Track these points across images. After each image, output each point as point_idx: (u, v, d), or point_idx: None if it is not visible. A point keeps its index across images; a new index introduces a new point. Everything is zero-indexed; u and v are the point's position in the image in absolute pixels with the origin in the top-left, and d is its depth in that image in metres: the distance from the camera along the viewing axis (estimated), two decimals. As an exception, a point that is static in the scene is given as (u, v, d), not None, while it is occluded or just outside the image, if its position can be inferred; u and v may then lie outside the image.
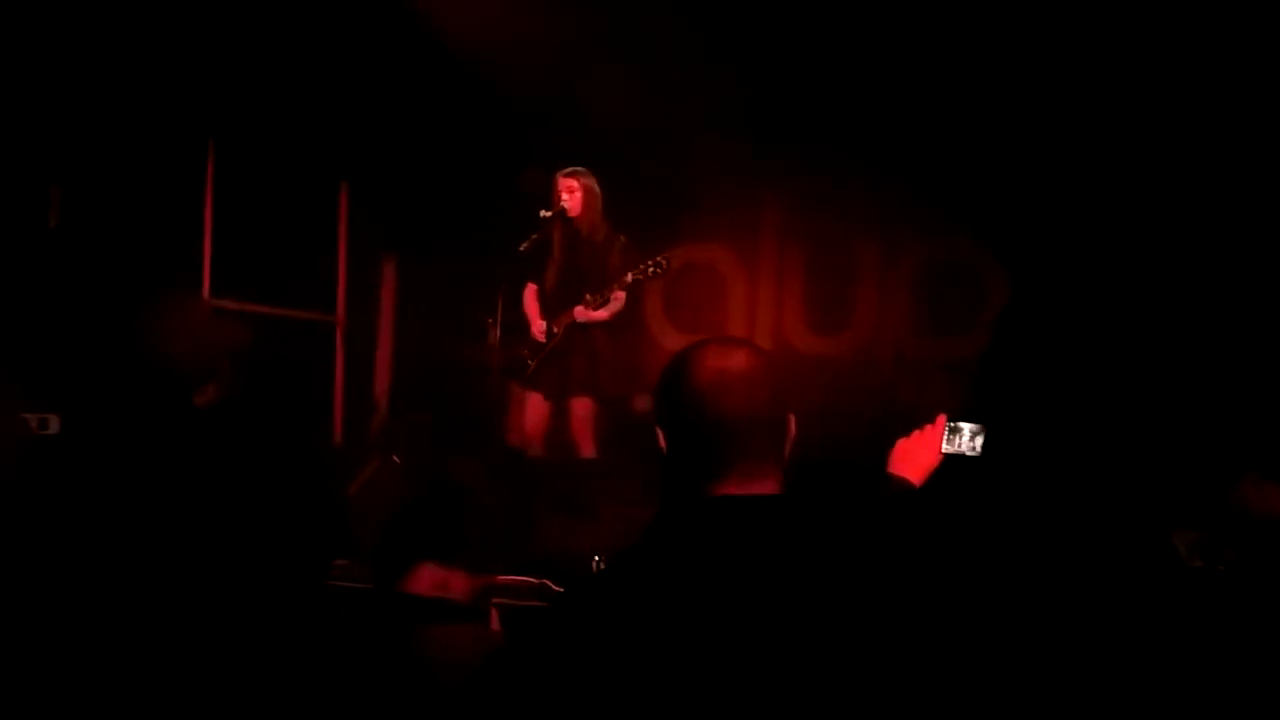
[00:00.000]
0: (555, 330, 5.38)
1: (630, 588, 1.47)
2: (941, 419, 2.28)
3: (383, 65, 6.05)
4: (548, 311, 5.44)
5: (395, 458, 5.10)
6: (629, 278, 5.23)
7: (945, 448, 2.27)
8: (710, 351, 1.59)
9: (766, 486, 1.55)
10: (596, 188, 5.38)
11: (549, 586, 3.73)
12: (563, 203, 5.31)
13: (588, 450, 5.34)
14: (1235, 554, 2.86)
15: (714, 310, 6.70)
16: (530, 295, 5.51)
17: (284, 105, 5.93)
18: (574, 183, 5.34)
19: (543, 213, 5.32)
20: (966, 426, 2.28)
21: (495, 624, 2.42)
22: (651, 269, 5.20)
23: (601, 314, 5.32)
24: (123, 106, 5.28)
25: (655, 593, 1.45)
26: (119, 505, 2.05)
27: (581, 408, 5.34)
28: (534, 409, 5.45)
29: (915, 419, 2.34)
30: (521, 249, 5.36)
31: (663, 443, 1.61)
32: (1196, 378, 5.28)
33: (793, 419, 1.61)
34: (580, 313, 5.29)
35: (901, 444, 2.28)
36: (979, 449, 2.27)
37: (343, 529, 4.09)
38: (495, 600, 2.47)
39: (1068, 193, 5.82)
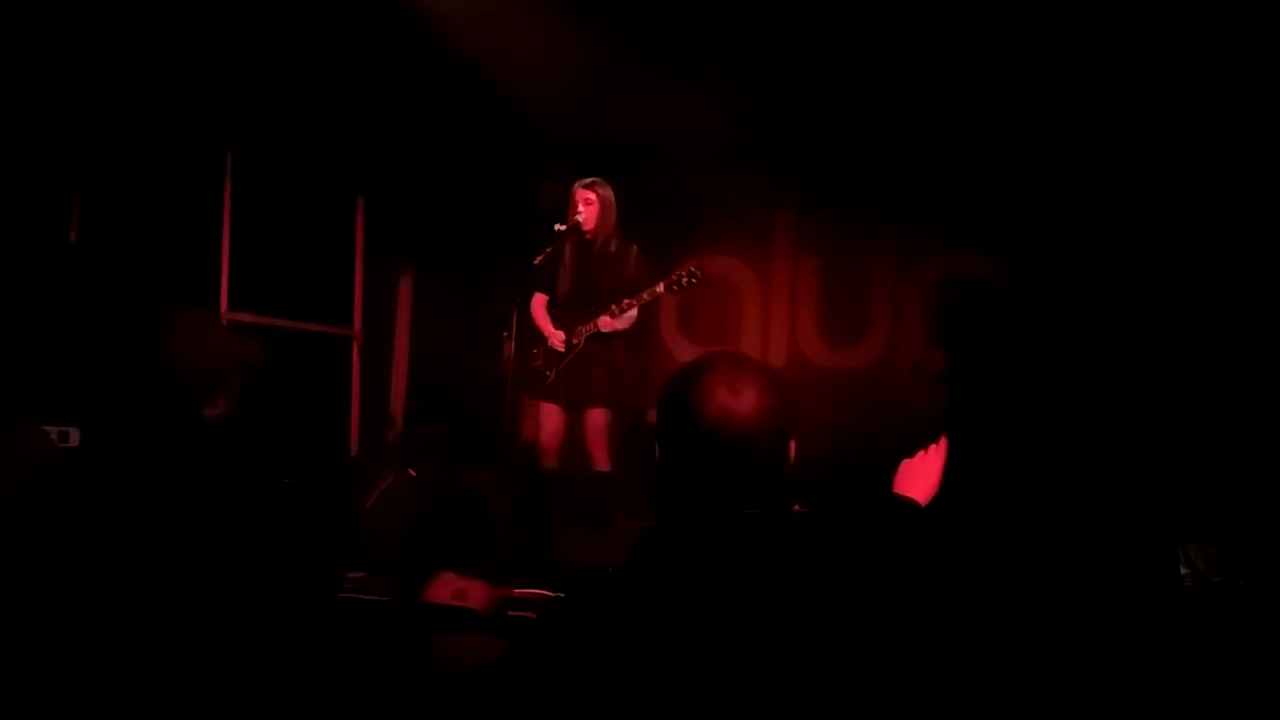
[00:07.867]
0: (575, 341, 5.36)
1: (617, 603, 1.51)
2: (945, 438, 2.28)
3: (399, 80, 6.08)
4: (562, 323, 5.41)
5: (411, 471, 5.10)
6: (660, 288, 5.16)
7: None
8: (719, 385, 1.58)
9: (758, 509, 1.57)
10: (613, 198, 5.35)
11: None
12: (578, 215, 5.29)
13: (602, 463, 5.32)
14: (1260, 567, 2.84)
15: (728, 323, 6.71)
16: (540, 305, 5.49)
17: (301, 120, 5.97)
18: (592, 195, 5.31)
19: (557, 226, 5.32)
20: None
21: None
22: (685, 278, 5.12)
23: (622, 324, 5.30)
24: (142, 121, 5.33)
25: (642, 610, 1.49)
26: (126, 518, 2.08)
27: (597, 419, 5.33)
28: (549, 421, 5.44)
29: (930, 431, 2.34)
30: (536, 263, 5.35)
31: (659, 455, 1.63)
32: (1209, 389, 5.27)
33: (793, 444, 1.63)
34: (605, 323, 5.25)
35: (906, 464, 2.28)
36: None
37: (354, 542, 4.11)
38: (511, 614, 2.48)
39: (1080, 204, 5.82)
